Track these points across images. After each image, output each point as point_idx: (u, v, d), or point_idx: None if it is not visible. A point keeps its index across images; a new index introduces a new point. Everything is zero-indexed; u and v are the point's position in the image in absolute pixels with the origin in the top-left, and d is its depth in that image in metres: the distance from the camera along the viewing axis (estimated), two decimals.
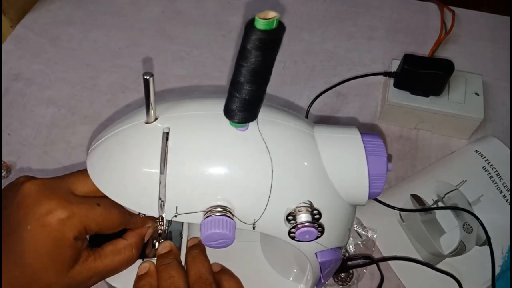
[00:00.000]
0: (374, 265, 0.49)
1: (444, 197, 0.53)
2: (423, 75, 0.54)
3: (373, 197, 0.30)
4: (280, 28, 0.23)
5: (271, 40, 0.23)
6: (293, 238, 0.27)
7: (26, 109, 0.62)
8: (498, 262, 0.49)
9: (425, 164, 0.57)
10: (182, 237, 0.35)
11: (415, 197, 0.53)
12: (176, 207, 0.26)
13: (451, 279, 0.48)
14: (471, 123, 0.56)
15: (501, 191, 0.54)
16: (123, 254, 0.31)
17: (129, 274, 0.32)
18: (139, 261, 0.33)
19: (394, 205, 0.52)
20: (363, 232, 0.51)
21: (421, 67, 0.54)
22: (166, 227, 0.34)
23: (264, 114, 0.27)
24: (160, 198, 0.26)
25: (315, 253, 0.30)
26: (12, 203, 0.29)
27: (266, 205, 0.26)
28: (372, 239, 0.50)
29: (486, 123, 0.60)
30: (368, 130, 0.60)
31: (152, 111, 0.26)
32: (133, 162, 0.27)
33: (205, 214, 0.26)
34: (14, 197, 0.30)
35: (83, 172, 0.30)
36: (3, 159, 0.57)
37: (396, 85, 0.57)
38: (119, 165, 0.27)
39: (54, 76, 0.66)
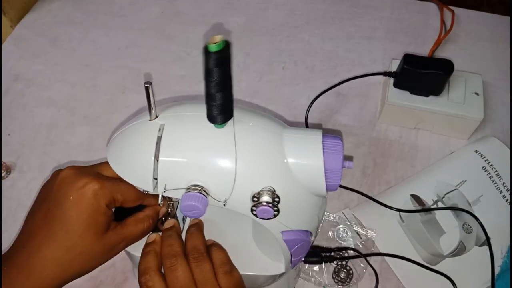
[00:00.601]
0: (375, 267, 0.49)
1: (444, 197, 0.53)
2: (423, 75, 0.54)
3: (332, 189, 0.35)
4: (227, 46, 0.29)
5: (223, 57, 0.30)
6: (255, 215, 0.34)
7: (26, 110, 0.62)
8: (498, 262, 0.49)
9: (425, 164, 0.57)
10: (184, 220, 0.43)
11: (415, 197, 0.53)
12: (165, 184, 0.34)
13: (452, 277, 0.48)
14: (471, 123, 0.56)
15: (501, 191, 0.54)
16: (143, 223, 0.39)
17: (143, 243, 0.40)
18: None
19: (394, 205, 0.52)
20: (363, 232, 0.51)
21: (421, 67, 0.54)
22: (174, 208, 0.42)
23: (241, 116, 0.35)
24: (154, 178, 0.34)
25: (281, 232, 0.36)
26: (52, 187, 0.36)
27: (233, 188, 0.33)
28: (371, 239, 0.50)
29: (486, 123, 0.60)
30: (368, 130, 0.60)
31: (153, 111, 0.34)
32: (137, 150, 0.35)
33: (186, 190, 0.34)
34: (54, 182, 0.36)
35: (107, 162, 0.37)
36: (3, 159, 0.57)
37: (396, 85, 0.57)
38: (128, 153, 0.35)
39: (53, 77, 0.66)
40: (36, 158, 0.57)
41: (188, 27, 0.71)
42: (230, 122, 0.34)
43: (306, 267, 0.49)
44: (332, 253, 0.49)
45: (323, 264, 0.49)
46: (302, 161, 0.34)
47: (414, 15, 0.73)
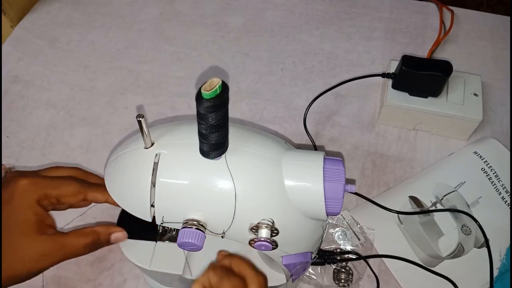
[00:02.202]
0: (375, 267, 0.49)
1: (442, 198, 0.53)
2: (421, 76, 0.54)
3: (333, 215, 0.35)
4: (224, 91, 0.28)
5: (219, 103, 0.28)
6: (252, 247, 0.33)
7: (25, 111, 0.62)
8: (496, 265, 0.49)
9: (424, 165, 0.57)
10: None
11: (414, 199, 0.53)
12: (163, 216, 0.34)
13: (450, 281, 0.48)
14: (470, 124, 0.56)
15: (500, 192, 0.54)
16: (87, 237, 0.38)
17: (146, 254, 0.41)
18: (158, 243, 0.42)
19: (393, 207, 0.52)
20: (362, 234, 0.51)
21: (419, 68, 0.54)
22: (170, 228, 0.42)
23: (236, 142, 0.33)
24: (150, 209, 0.34)
25: (281, 257, 0.36)
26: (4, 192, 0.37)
27: (232, 222, 0.33)
28: (370, 241, 0.50)
29: (485, 124, 0.60)
30: (367, 132, 0.60)
31: (148, 140, 0.33)
32: (133, 179, 0.34)
33: (183, 225, 0.33)
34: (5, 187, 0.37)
35: (54, 167, 0.39)
36: (2, 161, 0.57)
37: (395, 86, 0.57)
38: (123, 180, 0.35)
39: (52, 78, 0.66)
40: (35, 160, 0.58)
41: (187, 28, 0.71)
42: (225, 155, 0.33)
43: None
44: (333, 256, 0.49)
45: (323, 267, 0.49)
46: (302, 190, 0.33)
47: (413, 15, 0.73)
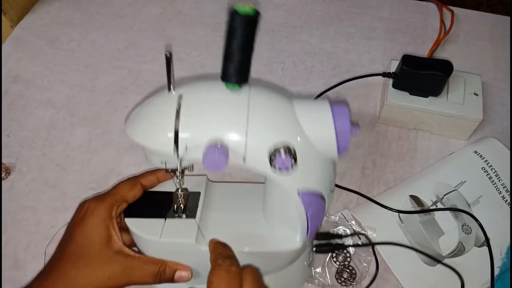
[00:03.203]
0: (373, 268, 0.49)
1: (443, 198, 0.53)
2: (422, 75, 0.54)
3: (342, 151, 0.37)
4: (257, 14, 0.31)
5: (254, 21, 0.32)
6: (274, 167, 0.35)
7: (25, 111, 0.62)
8: (497, 263, 0.49)
9: (424, 165, 0.57)
10: (198, 206, 0.44)
11: (414, 198, 0.53)
12: (186, 143, 0.35)
13: (450, 279, 0.48)
14: (470, 124, 0.56)
15: (500, 192, 0.54)
16: (156, 266, 0.40)
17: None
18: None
19: (393, 206, 0.52)
20: (362, 233, 0.51)
21: (420, 67, 0.54)
22: (185, 201, 0.43)
23: (255, 85, 0.37)
24: (174, 138, 0.35)
25: (298, 191, 0.38)
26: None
27: (246, 143, 0.35)
28: (372, 239, 0.50)
29: (485, 124, 0.60)
30: (368, 131, 0.60)
31: (172, 82, 0.36)
32: (157, 113, 0.36)
33: (207, 145, 0.35)
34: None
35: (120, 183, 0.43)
36: (2, 161, 0.57)
37: (395, 86, 0.57)
38: (147, 117, 0.37)
39: (53, 78, 0.66)
40: (36, 160, 0.57)
41: (188, 28, 0.71)
42: (245, 87, 0.36)
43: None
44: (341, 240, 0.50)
45: (326, 265, 0.49)
46: (314, 124, 0.37)
47: (413, 15, 0.73)
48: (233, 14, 0.31)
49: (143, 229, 0.41)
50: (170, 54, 0.33)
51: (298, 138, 0.36)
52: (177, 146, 0.35)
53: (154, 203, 0.44)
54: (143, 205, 0.43)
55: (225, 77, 0.35)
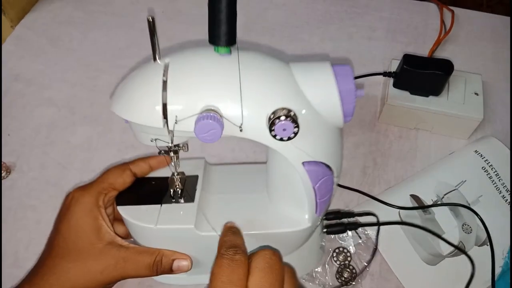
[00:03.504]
0: (374, 268, 0.49)
1: (443, 197, 0.53)
2: (422, 75, 0.54)
3: (348, 115, 0.34)
4: None
5: None
6: (274, 136, 0.32)
7: (26, 110, 0.62)
8: (499, 263, 0.49)
9: (425, 164, 0.57)
10: (196, 189, 0.41)
11: (415, 198, 0.53)
12: (176, 116, 0.32)
13: (451, 279, 0.48)
14: (471, 123, 0.56)
15: (500, 191, 0.54)
16: (151, 256, 0.37)
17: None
18: None
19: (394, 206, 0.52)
20: (363, 233, 0.51)
21: (421, 67, 0.54)
22: (182, 185, 0.40)
23: (245, 49, 0.34)
24: (163, 109, 0.32)
25: (303, 164, 0.35)
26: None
27: (241, 108, 0.32)
28: (371, 239, 0.50)
29: (485, 123, 0.60)
30: (368, 130, 0.60)
31: (157, 50, 0.33)
32: (143, 87, 0.33)
33: (199, 115, 0.32)
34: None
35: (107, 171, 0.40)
36: (2, 159, 0.57)
37: (396, 85, 0.57)
38: (133, 93, 0.34)
39: (54, 77, 0.66)
40: (36, 158, 0.57)
41: (189, 27, 0.71)
42: (234, 51, 0.33)
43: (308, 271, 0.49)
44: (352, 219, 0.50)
45: (327, 265, 0.49)
46: (315, 87, 0.33)
47: (414, 15, 0.73)
48: None
49: (137, 216, 0.38)
50: (153, 19, 0.31)
51: (299, 102, 0.33)
52: (166, 118, 0.32)
53: (149, 189, 0.41)
54: (136, 192, 0.40)
55: (213, 39, 0.32)
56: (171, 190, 0.41)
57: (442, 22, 0.70)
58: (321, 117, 0.34)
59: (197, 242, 0.38)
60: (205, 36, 0.72)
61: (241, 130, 0.33)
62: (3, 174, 0.56)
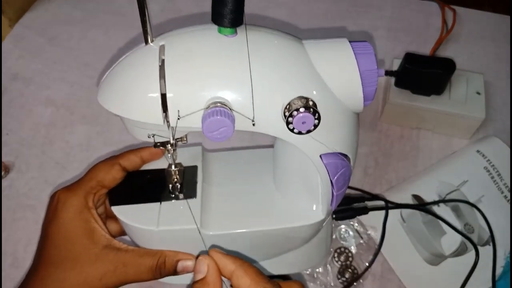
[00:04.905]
0: (376, 268, 0.49)
1: (445, 197, 0.53)
2: (424, 74, 0.53)
3: (369, 98, 0.31)
4: None
5: None
6: (291, 130, 0.29)
7: (25, 109, 0.62)
8: (501, 263, 0.49)
9: (427, 164, 0.57)
10: (197, 182, 0.37)
11: (417, 198, 0.53)
12: (178, 111, 0.28)
13: (452, 280, 0.48)
14: (473, 123, 0.56)
15: (502, 191, 0.53)
16: (153, 258, 0.34)
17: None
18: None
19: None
20: (364, 232, 0.50)
21: (423, 66, 0.53)
22: (180, 178, 0.37)
23: (253, 27, 0.30)
24: (162, 103, 0.28)
25: (320, 157, 0.31)
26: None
27: (252, 100, 0.28)
28: (373, 239, 0.50)
29: (487, 123, 0.59)
30: (370, 130, 0.59)
31: (149, 32, 0.29)
32: (136, 78, 0.29)
33: (205, 110, 0.28)
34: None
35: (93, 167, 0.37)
36: (1, 159, 0.57)
37: (397, 84, 0.57)
38: (125, 83, 0.29)
39: (52, 76, 0.65)
40: (35, 158, 0.57)
41: (188, 26, 0.71)
42: (241, 30, 0.29)
43: (309, 271, 0.48)
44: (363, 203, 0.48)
45: (328, 265, 0.49)
46: (333, 68, 0.30)
47: (415, 14, 0.73)
48: None
49: (136, 218, 0.35)
50: None
51: (317, 88, 0.29)
52: (166, 113, 0.29)
53: (144, 185, 0.38)
54: (130, 188, 0.37)
55: (217, 18, 0.28)
56: (170, 185, 0.37)
57: (444, 21, 0.70)
58: (340, 102, 0.30)
59: (202, 241, 0.36)
60: None
61: (253, 124, 0.29)
62: (2, 174, 0.55)
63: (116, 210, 0.36)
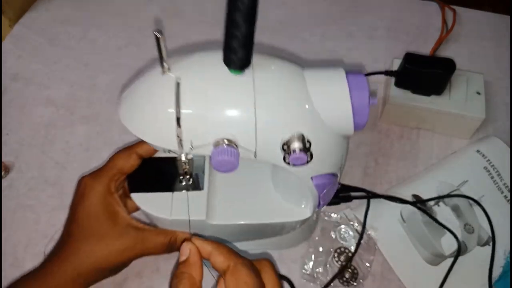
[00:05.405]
0: (376, 268, 0.49)
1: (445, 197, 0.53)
2: (424, 74, 0.53)
3: (359, 127, 0.34)
4: None
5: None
6: (287, 163, 0.33)
7: (25, 109, 0.62)
8: (501, 263, 0.49)
9: (427, 164, 0.57)
10: (204, 174, 0.43)
11: (417, 198, 0.53)
12: (191, 141, 0.33)
13: (452, 280, 0.48)
14: (473, 123, 0.56)
15: (502, 191, 0.53)
16: (167, 236, 0.41)
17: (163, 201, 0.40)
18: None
19: (395, 206, 0.52)
20: (365, 233, 0.50)
21: (423, 66, 0.53)
22: (191, 166, 0.40)
23: (260, 60, 0.33)
24: (177, 135, 0.33)
25: (311, 178, 0.36)
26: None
27: (256, 136, 0.32)
28: (373, 239, 0.50)
29: (487, 123, 0.59)
30: (369, 130, 0.59)
31: (165, 64, 0.32)
32: (154, 107, 0.33)
33: (214, 145, 0.32)
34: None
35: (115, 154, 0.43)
36: (1, 159, 0.57)
37: (397, 84, 0.57)
38: (144, 110, 0.33)
39: (52, 76, 0.65)
40: (35, 158, 0.57)
41: (188, 26, 0.71)
42: (249, 68, 0.32)
43: (309, 271, 0.48)
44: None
45: (328, 265, 0.49)
46: (328, 101, 0.33)
47: (415, 14, 0.73)
48: None
49: (152, 207, 0.40)
50: (160, 32, 0.30)
51: (313, 124, 0.33)
52: (181, 144, 0.33)
53: (158, 172, 0.43)
54: (146, 175, 0.42)
55: (228, 62, 0.31)
56: (180, 176, 0.42)
57: (444, 21, 0.70)
58: (332, 132, 0.34)
59: (207, 228, 0.41)
60: (206, 36, 0.72)
61: (255, 157, 0.34)
62: (1, 174, 0.55)
63: (136, 198, 0.41)
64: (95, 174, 0.42)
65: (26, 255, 0.50)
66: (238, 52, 0.30)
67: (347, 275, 0.48)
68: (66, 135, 0.59)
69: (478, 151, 0.56)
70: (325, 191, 0.38)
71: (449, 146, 0.58)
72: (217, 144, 0.32)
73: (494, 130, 0.59)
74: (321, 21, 0.72)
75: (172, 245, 0.42)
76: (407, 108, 0.57)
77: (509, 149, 0.56)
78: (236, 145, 0.32)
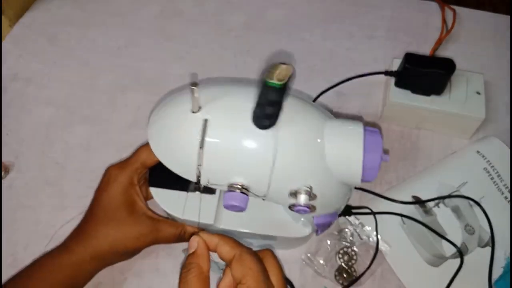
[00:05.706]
0: (376, 268, 0.49)
1: (445, 198, 0.53)
2: (424, 74, 0.53)
3: (368, 180, 0.36)
4: (285, 85, 0.30)
5: (286, 89, 0.31)
6: (292, 210, 0.36)
7: (25, 109, 0.62)
8: (501, 263, 0.49)
9: (427, 164, 0.57)
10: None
11: (416, 199, 0.53)
12: (208, 179, 0.37)
13: (454, 281, 0.48)
14: (473, 123, 0.56)
15: (502, 192, 0.53)
16: (178, 228, 0.45)
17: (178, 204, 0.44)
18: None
19: (396, 206, 0.52)
20: (365, 234, 0.50)
21: (423, 66, 0.53)
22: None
23: (284, 115, 0.34)
24: (197, 173, 0.36)
25: (313, 217, 0.40)
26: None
27: (269, 186, 0.35)
28: (374, 240, 0.50)
29: (487, 123, 0.59)
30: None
31: (196, 105, 0.35)
32: (181, 142, 0.36)
33: (228, 188, 0.36)
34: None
35: (141, 148, 0.46)
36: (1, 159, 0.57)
37: (397, 84, 0.57)
38: (170, 142, 0.37)
39: (52, 76, 0.65)
40: (35, 158, 0.57)
41: (188, 26, 0.71)
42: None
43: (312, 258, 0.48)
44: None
45: (330, 264, 0.49)
46: (341, 160, 0.36)
47: (415, 14, 0.73)
48: (268, 87, 0.30)
49: (168, 204, 0.44)
50: (196, 84, 0.33)
51: (321, 179, 0.36)
52: (199, 179, 0.37)
53: None
54: (166, 171, 0.43)
55: (256, 122, 0.34)
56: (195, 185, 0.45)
57: (444, 21, 0.70)
58: (340, 181, 0.37)
59: (215, 230, 0.44)
60: (206, 36, 0.72)
61: (264, 199, 0.37)
62: (1, 174, 0.55)
63: (154, 192, 0.45)
64: (120, 165, 0.45)
65: (26, 255, 0.50)
66: (268, 120, 0.33)
67: (344, 275, 0.48)
68: (66, 135, 0.59)
69: (478, 152, 0.56)
70: (324, 226, 0.41)
71: (449, 146, 0.58)
72: (231, 187, 0.35)
73: (494, 130, 0.59)
74: (321, 21, 0.72)
75: (181, 237, 0.45)
76: (407, 108, 0.57)
77: (509, 150, 0.56)
78: (247, 190, 0.35)
